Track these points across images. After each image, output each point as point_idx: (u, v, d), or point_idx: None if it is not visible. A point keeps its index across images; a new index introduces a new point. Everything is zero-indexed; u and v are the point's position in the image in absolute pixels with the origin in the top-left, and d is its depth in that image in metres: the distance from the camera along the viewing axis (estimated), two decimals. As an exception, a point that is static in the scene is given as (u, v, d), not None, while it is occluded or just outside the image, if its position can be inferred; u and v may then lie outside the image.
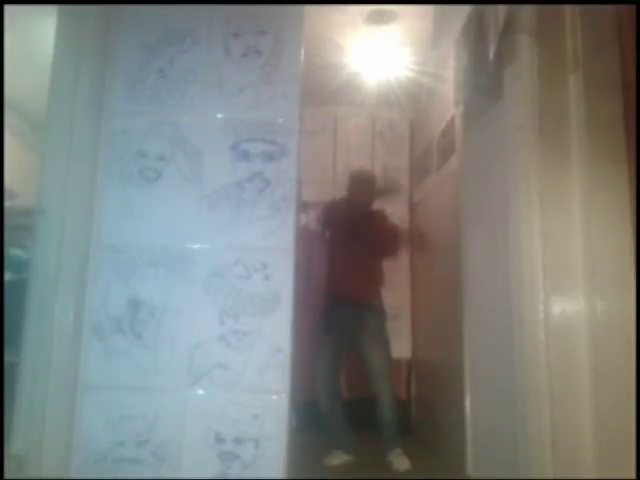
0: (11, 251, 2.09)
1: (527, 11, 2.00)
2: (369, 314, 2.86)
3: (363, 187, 3.00)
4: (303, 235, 2.68)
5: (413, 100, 3.73)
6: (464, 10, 2.54)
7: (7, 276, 1.94)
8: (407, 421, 3.61)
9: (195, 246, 1.79)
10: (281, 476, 1.66)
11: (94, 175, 1.83)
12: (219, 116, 1.87)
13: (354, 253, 2.88)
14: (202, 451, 1.67)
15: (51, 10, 1.93)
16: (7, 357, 1.72)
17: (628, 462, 1.51)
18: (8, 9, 1.88)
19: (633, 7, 1.68)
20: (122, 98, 1.88)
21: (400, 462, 2.68)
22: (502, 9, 2.05)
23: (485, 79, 2.28)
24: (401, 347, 3.72)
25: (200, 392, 1.71)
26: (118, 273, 1.77)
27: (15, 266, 2.02)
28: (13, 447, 1.64)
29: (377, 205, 3.12)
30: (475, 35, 2.41)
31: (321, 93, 3.51)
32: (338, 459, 2.77)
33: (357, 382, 3.12)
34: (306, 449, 2.60)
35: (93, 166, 1.83)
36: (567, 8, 1.92)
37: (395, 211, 3.88)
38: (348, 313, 2.83)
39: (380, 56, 3.23)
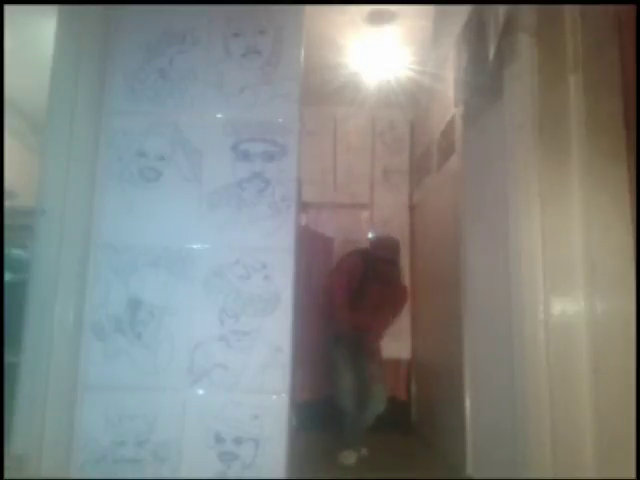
0: (11, 251, 2.09)
1: (527, 11, 2.00)
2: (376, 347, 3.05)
3: (389, 256, 3.03)
4: (304, 236, 2.71)
5: (413, 100, 3.73)
6: (464, 10, 2.54)
7: (7, 276, 1.94)
8: (407, 421, 3.62)
9: (195, 246, 1.79)
10: (281, 476, 1.66)
11: (94, 175, 1.83)
12: (219, 116, 1.87)
13: (373, 310, 3.02)
14: (202, 451, 1.67)
15: (51, 10, 1.93)
16: (7, 357, 1.71)
17: (628, 462, 1.51)
18: (8, 9, 1.88)
19: (633, 7, 1.67)
20: (122, 98, 1.88)
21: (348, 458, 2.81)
22: (502, 9, 2.05)
23: (485, 79, 2.28)
24: (401, 347, 3.72)
25: (200, 392, 1.71)
26: (118, 273, 1.77)
27: (15, 266, 2.01)
28: (13, 447, 1.64)
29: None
30: (475, 35, 2.41)
31: (321, 93, 3.51)
32: (353, 458, 2.84)
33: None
34: (306, 449, 2.61)
35: (93, 166, 1.83)
36: (567, 8, 1.92)
37: (395, 211, 3.90)
38: (354, 346, 2.99)
39: (380, 56, 3.22)
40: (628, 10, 1.70)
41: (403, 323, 3.78)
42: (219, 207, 1.81)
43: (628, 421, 1.58)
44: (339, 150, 4.01)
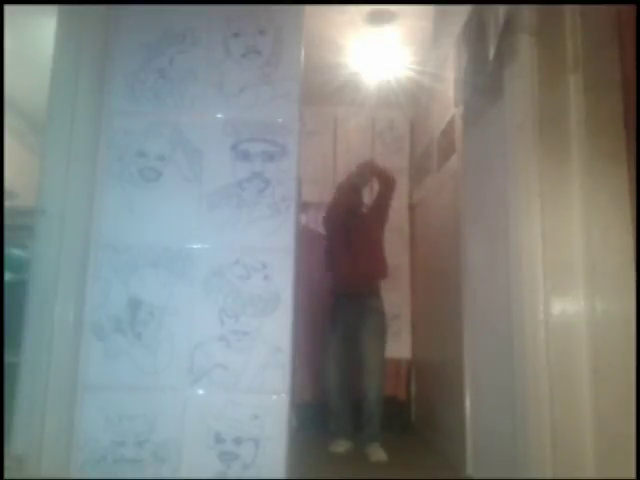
0: (11, 251, 2.09)
1: (527, 11, 2.00)
2: (370, 313, 3.07)
3: (350, 198, 3.27)
4: (304, 236, 2.75)
5: (413, 100, 3.73)
6: (464, 10, 2.54)
7: (7, 276, 1.94)
8: (407, 421, 3.62)
9: (195, 246, 1.79)
10: (281, 476, 1.66)
11: (94, 175, 1.82)
12: (219, 116, 1.87)
13: (353, 246, 3.14)
14: (202, 451, 1.67)
15: (51, 10, 1.93)
16: (7, 357, 1.71)
17: (628, 462, 1.51)
18: (8, 9, 1.88)
19: (633, 7, 1.67)
20: (122, 98, 1.88)
21: (377, 454, 2.85)
22: (502, 9, 2.05)
23: (485, 79, 2.28)
24: (401, 347, 3.72)
25: (200, 392, 1.71)
26: (118, 273, 1.77)
27: (15, 266, 2.01)
28: (13, 447, 1.63)
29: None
30: (475, 35, 2.41)
31: (321, 93, 3.51)
32: (342, 447, 2.97)
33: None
34: (306, 449, 2.61)
35: (93, 166, 1.83)
36: (567, 8, 1.92)
37: (395, 211, 3.90)
38: (351, 310, 3.06)
39: (380, 56, 3.22)
40: (628, 10, 1.70)
41: (403, 323, 3.79)
42: (219, 207, 1.81)
43: (628, 421, 1.58)
44: (339, 150, 4.01)
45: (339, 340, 3.09)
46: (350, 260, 3.12)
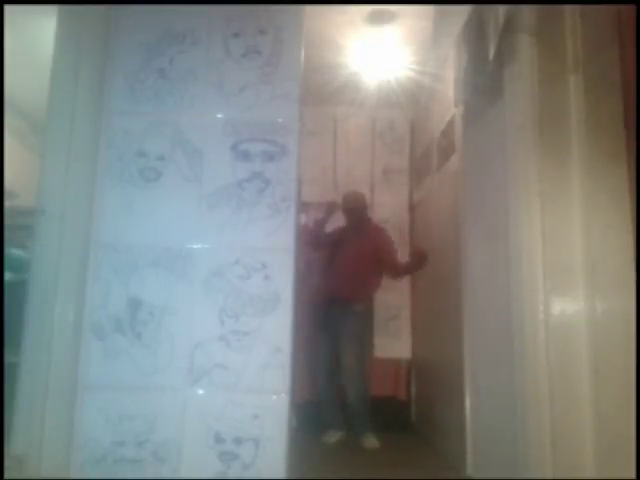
0: (11, 251, 2.09)
1: (527, 11, 2.00)
2: (351, 316, 3.21)
3: (355, 207, 3.39)
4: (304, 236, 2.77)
5: (413, 100, 3.73)
6: (464, 10, 2.54)
7: (7, 276, 1.94)
8: (407, 421, 3.62)
9: (195, 246, 1.79)
10: (281, 476, 1.66)
11: (94, 175, 1.83)
12: (219, 116, 1.87)
13: (343, 258, 3.30)
14: (202, 451, 1.67)
15: (51, 10, 1.93)
16: (7, 357, 1.71)
17: (628, 462, 1.51)
18: (8, 9, 1.88)
19: (633, 7, 1.67)
20: (122, 98, 1.88)
21: (369, 442, 3.07)
22: (502, 9, 2.05)
23: (485, 79, 2.28)
24: (401, 347, 3.72)
25: (200, 392, 1.71)
26: (118, 273, 1.77)
27: (15, 266, 2.01)
28: (13, 447, 1.64)
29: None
30: (475, 35, 2.41)
31: (321, 93, 3.51)
32: (334, 437, 3.15)
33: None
34: (306, 449, 2.61)
35: (93, 166, 1.83)
36: (567, 8, 1.92)
37: (395, 211, 3.90)
38: (334, 312, 3.24)
39: (380, 56, 3.22)
40: (628, 10, 1.70)
41: (403, 323, 3.79)
42: (219, 207, 1.81)
43: (628, 421, 1.58)
44: (339, 150, 4.01)
45: (326, 339, 3.24)
46: (333, 272, 3.32)
